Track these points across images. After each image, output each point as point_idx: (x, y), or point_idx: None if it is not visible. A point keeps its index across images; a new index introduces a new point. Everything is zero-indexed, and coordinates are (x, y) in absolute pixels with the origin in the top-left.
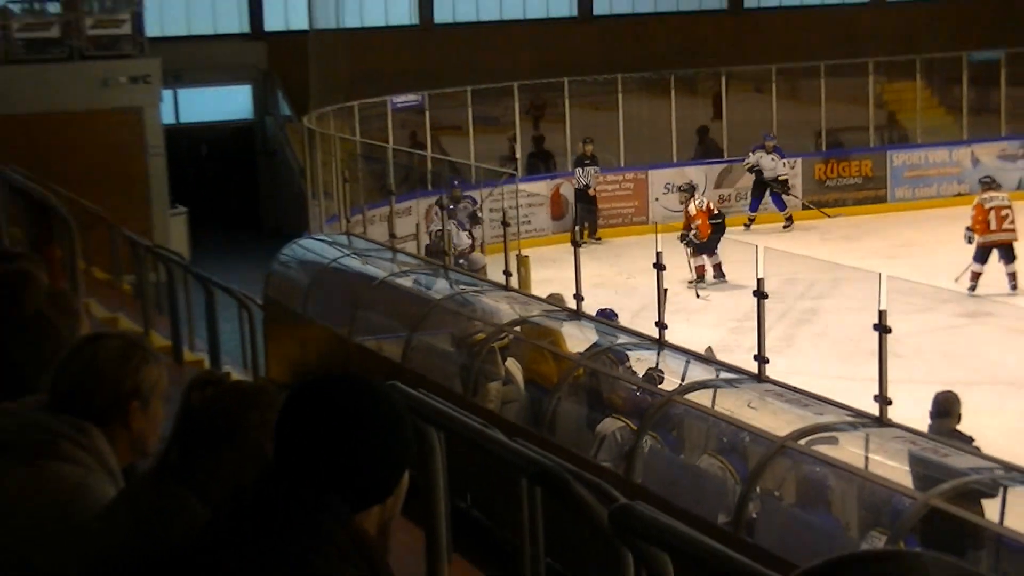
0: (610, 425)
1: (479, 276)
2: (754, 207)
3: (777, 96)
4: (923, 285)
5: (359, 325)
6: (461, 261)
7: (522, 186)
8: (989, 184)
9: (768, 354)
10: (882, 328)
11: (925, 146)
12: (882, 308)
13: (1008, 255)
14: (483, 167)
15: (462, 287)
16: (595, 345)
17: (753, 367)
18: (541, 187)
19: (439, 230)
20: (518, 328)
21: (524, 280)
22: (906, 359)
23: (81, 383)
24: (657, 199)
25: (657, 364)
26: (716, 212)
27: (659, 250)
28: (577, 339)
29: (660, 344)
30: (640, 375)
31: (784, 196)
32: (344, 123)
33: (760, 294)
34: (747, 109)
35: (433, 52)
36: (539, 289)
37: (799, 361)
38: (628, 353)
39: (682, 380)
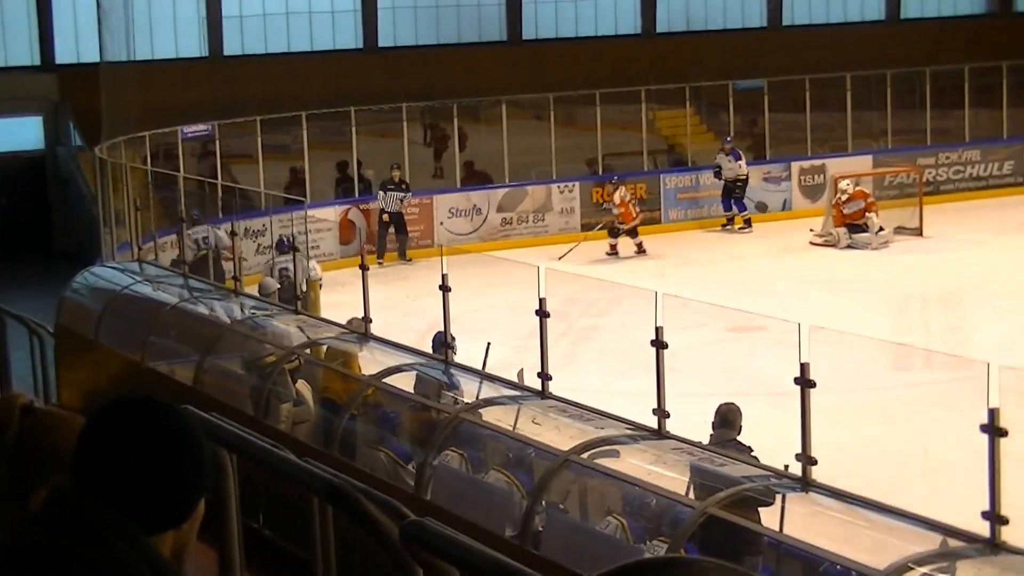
0: (397, 444)
1: (270, 300)
2: (726, 207)
3: (556, 123)
4: (697, 301)
5: (152, 350)
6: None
7: (310, 212)
8: (621, 181)
9: (551, 371)
10: (659, 344)
11: (695, 169)
12: (659, 324)
13: (634, 232)
14: (272, 194)
15: (253, 311)
16: (396, 368)
17: (538, 385)
18: (329, 213)
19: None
20: (308, 350)
21: (313, 303)
22: (683, 373)
23: None
24: (442, 223)
25: (443, 382)
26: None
27: (445, 272)
28: (368, 361)
29: (447, 363)
30: (448, 399)
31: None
32: (136, 153)
33: (542, 313)
34: (527, 136)
35: (223, 83)
36: (328, 312)
37: (581, 378)
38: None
39: (473, 398)
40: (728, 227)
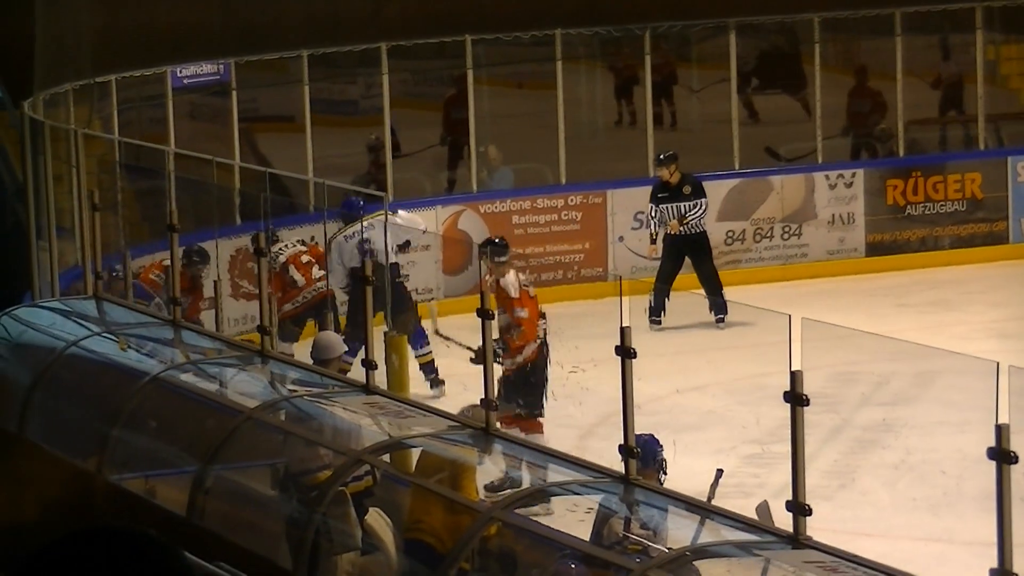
0: None
1: (327, 370)
2: None
3: (822, 65)
4: None
5: (115, 454)
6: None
7: (394, 218)
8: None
9: (811, 500)
10: (1001, 455)
11: None
12: (1001, 422)
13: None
14: (331, 185)
15: (293, 388)
16: (542, 492)
17: (787, 520)
18: (428, 218)
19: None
20: (387, 458)
21: (397, 375)
22: None
23: None
24: (622, 238)
25: (629, 519)
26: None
27: (625, 324)
28: (493, 478)
29: (627, 483)
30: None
31: None
32: (93, 111)
33: (796, 398)
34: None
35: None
36: (423, 388)
37: (862, 511)
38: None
39: (688, 545)
40: None
